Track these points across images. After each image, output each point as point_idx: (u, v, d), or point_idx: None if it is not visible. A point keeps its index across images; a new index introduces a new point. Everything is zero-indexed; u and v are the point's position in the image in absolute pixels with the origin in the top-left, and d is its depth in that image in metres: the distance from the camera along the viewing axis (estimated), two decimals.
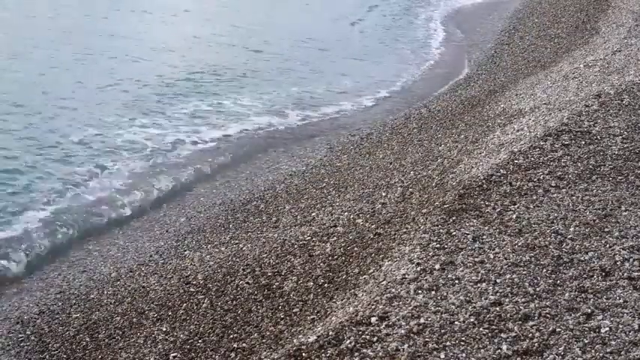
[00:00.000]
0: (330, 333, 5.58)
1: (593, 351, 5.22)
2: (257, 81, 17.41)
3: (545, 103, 11.24)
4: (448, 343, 5.31)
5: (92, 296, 8.53)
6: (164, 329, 7.45)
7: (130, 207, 11.12)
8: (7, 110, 14.08)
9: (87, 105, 14.72)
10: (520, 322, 5.53)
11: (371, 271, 6.91)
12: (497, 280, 6.06)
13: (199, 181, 12.24)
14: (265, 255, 8.38)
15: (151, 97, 15.57)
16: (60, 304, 8.46)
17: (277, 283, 7.66)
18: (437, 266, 6.31)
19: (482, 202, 7.50)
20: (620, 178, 8.02)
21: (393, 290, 6.03)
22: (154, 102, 15.31)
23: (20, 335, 7.92)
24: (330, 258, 7.80)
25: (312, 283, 7.38)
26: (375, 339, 5.42)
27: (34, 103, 14.55)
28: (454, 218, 7.19)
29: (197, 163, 12.84)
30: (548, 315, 5.62)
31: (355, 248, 7.79)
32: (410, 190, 9.10)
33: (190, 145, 13.51)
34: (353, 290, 6.72)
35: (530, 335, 5.39)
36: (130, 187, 11.72)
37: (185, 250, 9.38)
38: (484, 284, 6.02)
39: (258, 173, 12.38)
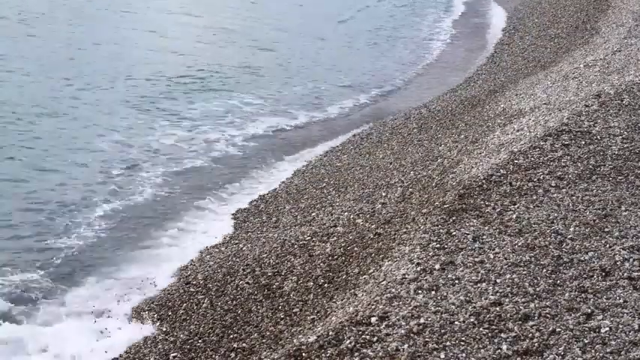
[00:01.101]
0: (330, 333, 5.58)
1: (593, 351, 5.22)
2: (261, 80, 17.40)
3: (545, 103, 11.24)
4: (448, 343, 5.31)
5: None
6: (164, 329, 7.46)
7: (165, 209, 10.81)
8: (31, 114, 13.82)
9: (103, 108, 14.55)
10: (520, 322, 5.53)
11: (371, 271, 6.91)
12: (497, 280, 6.07)
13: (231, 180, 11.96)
14: (265, 255, 8.38)
15: (163, 98, 15.50)
16: None
17: (277, 283, 7.67)
18: (437, 266, 6.31)
19: (482, 202, 7.50)
20: (620, 178, 8.02)
21: (393, 290, 6.03)
22: (167, 102, 15.24)
23: None
24: (330, 258, 7.80)
25: (312, 283, 7.38)
26: (375, 339, 5.42)
27: (50, 107, 14.27)
28: (454, 218, 7.19)
29: (228, 163, 12.67)
30: (548, 315, 5.62)
31: (355, 248, 7.79)
32: (410, 190, 9.10)
33: (221, 145, 13.29)
34: (353, 290, 6.72)
35: (530, 335, 5.39)
36: (167, 189, 11.37)
37: None
38: (484, 284, 6.02)
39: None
